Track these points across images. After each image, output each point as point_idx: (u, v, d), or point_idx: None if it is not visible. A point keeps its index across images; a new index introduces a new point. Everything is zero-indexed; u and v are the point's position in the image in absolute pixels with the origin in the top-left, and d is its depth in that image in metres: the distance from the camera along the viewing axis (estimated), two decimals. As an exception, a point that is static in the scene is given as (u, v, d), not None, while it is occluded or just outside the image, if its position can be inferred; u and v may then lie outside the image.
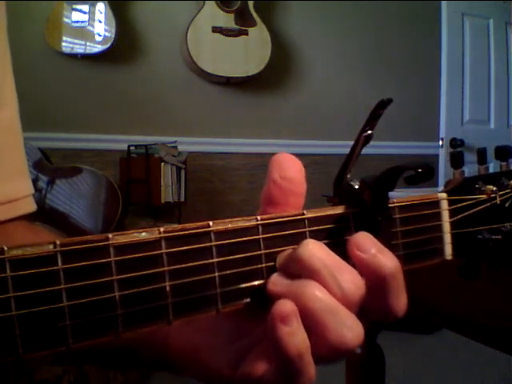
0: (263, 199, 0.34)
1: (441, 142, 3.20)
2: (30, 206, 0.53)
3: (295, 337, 0.29)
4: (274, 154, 0.34)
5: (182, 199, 2.72)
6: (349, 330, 0.30)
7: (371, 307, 0.32)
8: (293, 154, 0.34)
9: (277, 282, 0.31)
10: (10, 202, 0.50)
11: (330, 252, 0.31)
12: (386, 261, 0.31)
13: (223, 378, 0.34)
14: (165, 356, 0.38)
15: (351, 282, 0.30)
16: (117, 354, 0.42)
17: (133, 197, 2.63)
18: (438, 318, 1.08)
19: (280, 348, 0.29)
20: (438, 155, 3.19)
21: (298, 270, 0.31)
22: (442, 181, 2.83)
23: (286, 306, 0.29)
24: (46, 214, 2.33)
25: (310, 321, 0.30)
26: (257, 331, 0.34)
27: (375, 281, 0.31)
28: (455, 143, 3.18)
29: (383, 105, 0.31)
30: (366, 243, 0.31)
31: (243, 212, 3.02)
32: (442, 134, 3.22)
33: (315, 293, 0.30)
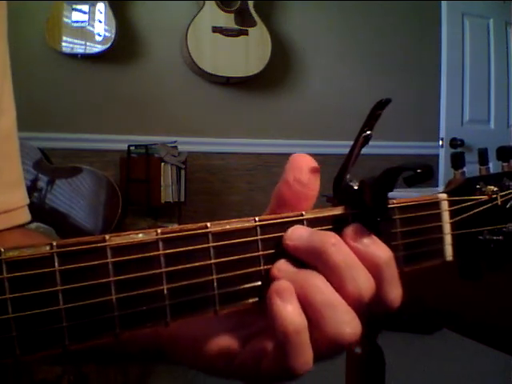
0: (274, 197, 0.34)
1: (441, 142, 3.20)
2: (25, 217, 0.53)
3: (292, 313, 0.29)
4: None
5: (182, 199, 2.72)
6: (347, 324, 0.30)
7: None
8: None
9: (282, 267, 0.31)
10: (6, 213, 0.50)
11: (349, 249, 0.32)
12: (380, 250, 0.32)
13: (218, 368, 0.34)
14: (155, 346, 0.38)
15: (367, 281, 0.31)
16: (103, 351, 0.41)
17: (133, 197, 2.62)
18: (439, 317, 1.08)
19: (277, 323, 0.29)
20: (438, 155, 3.18)
21: (314, 262, 0.31)
22: (442, 181, 2.83)
23: (283, 283, 0.30)
24: (45, 214, 2.33)
25: (311, 312, 0.30)
26: (258, 323, 0.33)
27: (370, 270, 0.32)
28: (455, 143, 3.18)
29: (381, 105, 0.31)
30: (359, 234, 0.32)
31: (243, 212, 3.02)
32: (442, 134, 3.21)
33: (319, 284, 0.30)
